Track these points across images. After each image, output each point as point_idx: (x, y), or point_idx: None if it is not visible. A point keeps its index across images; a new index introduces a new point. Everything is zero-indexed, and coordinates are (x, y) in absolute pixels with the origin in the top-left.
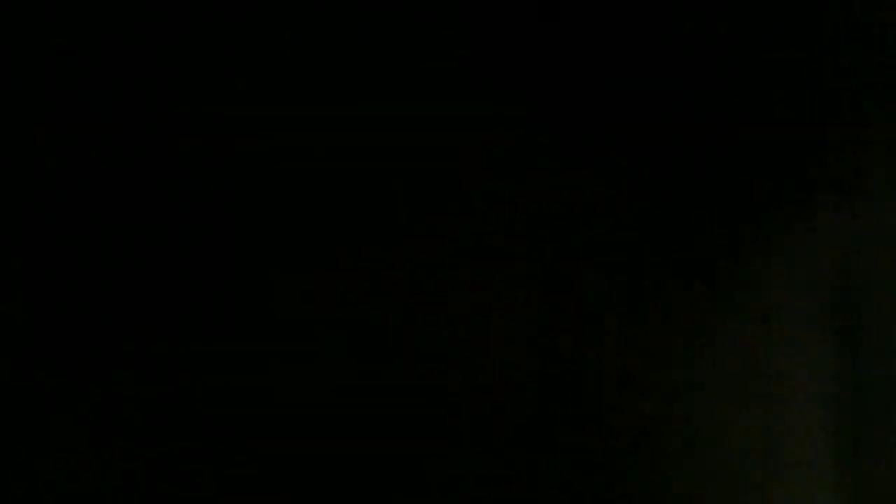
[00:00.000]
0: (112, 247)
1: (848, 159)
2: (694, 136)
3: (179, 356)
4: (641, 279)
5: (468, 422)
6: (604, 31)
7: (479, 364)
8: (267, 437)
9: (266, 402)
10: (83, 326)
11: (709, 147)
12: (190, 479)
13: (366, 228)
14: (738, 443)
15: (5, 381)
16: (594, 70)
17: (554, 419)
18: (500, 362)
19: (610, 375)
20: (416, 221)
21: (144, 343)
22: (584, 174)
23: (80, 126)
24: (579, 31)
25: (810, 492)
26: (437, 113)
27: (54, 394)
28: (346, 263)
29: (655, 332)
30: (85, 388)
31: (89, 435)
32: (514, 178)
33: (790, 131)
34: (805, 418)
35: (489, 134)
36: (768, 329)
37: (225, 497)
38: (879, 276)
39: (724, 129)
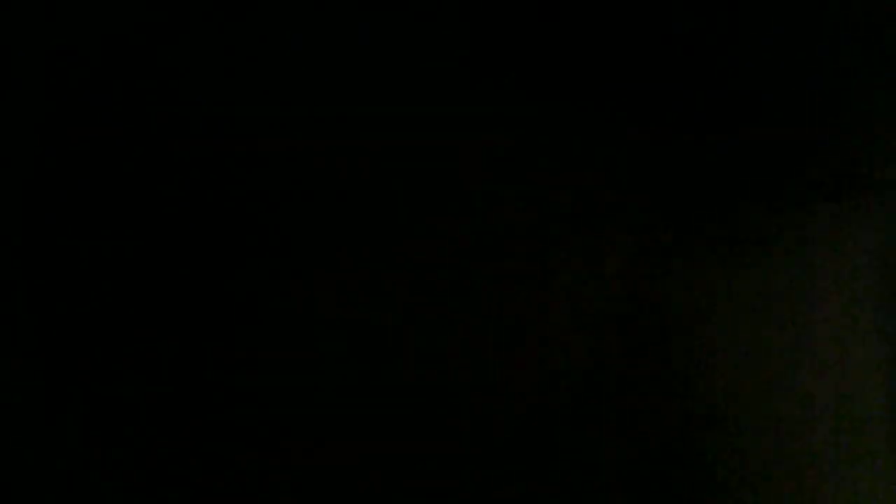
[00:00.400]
0: (111, 247)
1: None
2: (696, 135)
3: (178, 357)
4: (644, 280)
5: (468, 422)
6: (604, 31)
7: (479, 364)
8: (266, 437)
9: (265, 403)
10: (82, 327)
11: (712, 145)
12: (190, 480)
13: (366, 228)
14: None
15: (5, 381)
16: (595, 70)
17: (553, 419)
18: (500, 362)
19: (612, 376)
20: (416, 221)
21: (143, 344)
22: (584, 175)
23: (80, 126)
24: (579, 31)
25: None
26: (437, 113)
27: (55, 394)
28: (346, 263)
29: (659, 334)
30: (85, 389)
31: (90, 436)
32: (514, 178)
33: (793, 130)
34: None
35: (489, 134)
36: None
37: (225, 498)
38: None
39: (725, 127)
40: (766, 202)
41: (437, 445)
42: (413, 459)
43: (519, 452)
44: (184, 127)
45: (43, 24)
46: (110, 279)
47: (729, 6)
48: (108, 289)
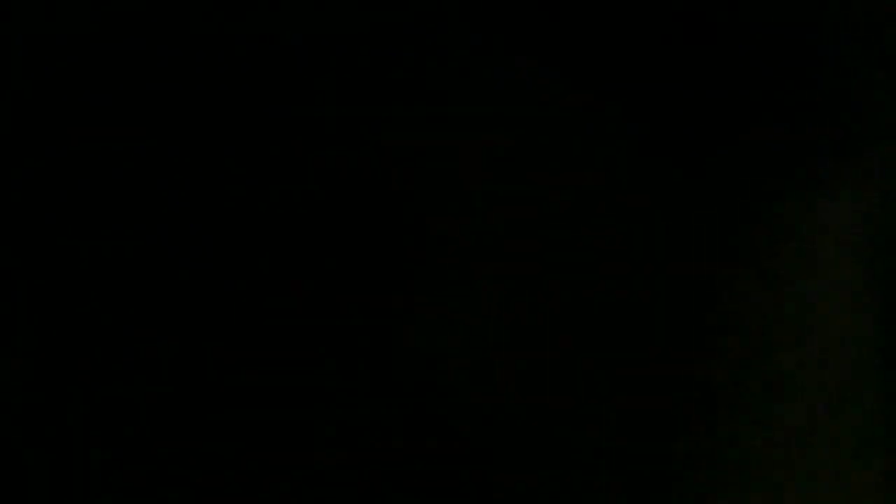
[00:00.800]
0: (110, 247)
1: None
2: (696, 135)
3: (178, 357)
4: (646, 281)
5: (468, 422)
6: (605, 30)
7: (479, 364)
8: (266, 437)
9: (265, 404)
10: (82, 327)
11: (712, 145)
12: (190, 480)
13: (365, 228)
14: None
15: (5, 381)
16: (595, 70)
17: (553, 419)
18: (500, 362)
19: (613, 376)
20: (417, 221)
21: (142, 344)
22: (585, 175)
23: (80, 126)
24: (580, 31)
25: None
26: (438, 113)
27: (55, 394)
28: (346, 263)
29: (662, 333)
30: (85, 389)
31: (90, 436)
32: (513, 178)
33: (793, 130)
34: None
35: (489, 134)
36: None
37: (225, 498)
38: None
39: (725, 127)
40: (765, 201)
41: (437, 445)
42: (413, 459)
43: (519, 452)
44: (183, 127)
45: (42, 23)
46: (110, 279)
47: (729, 6)
48: (108, 289)
